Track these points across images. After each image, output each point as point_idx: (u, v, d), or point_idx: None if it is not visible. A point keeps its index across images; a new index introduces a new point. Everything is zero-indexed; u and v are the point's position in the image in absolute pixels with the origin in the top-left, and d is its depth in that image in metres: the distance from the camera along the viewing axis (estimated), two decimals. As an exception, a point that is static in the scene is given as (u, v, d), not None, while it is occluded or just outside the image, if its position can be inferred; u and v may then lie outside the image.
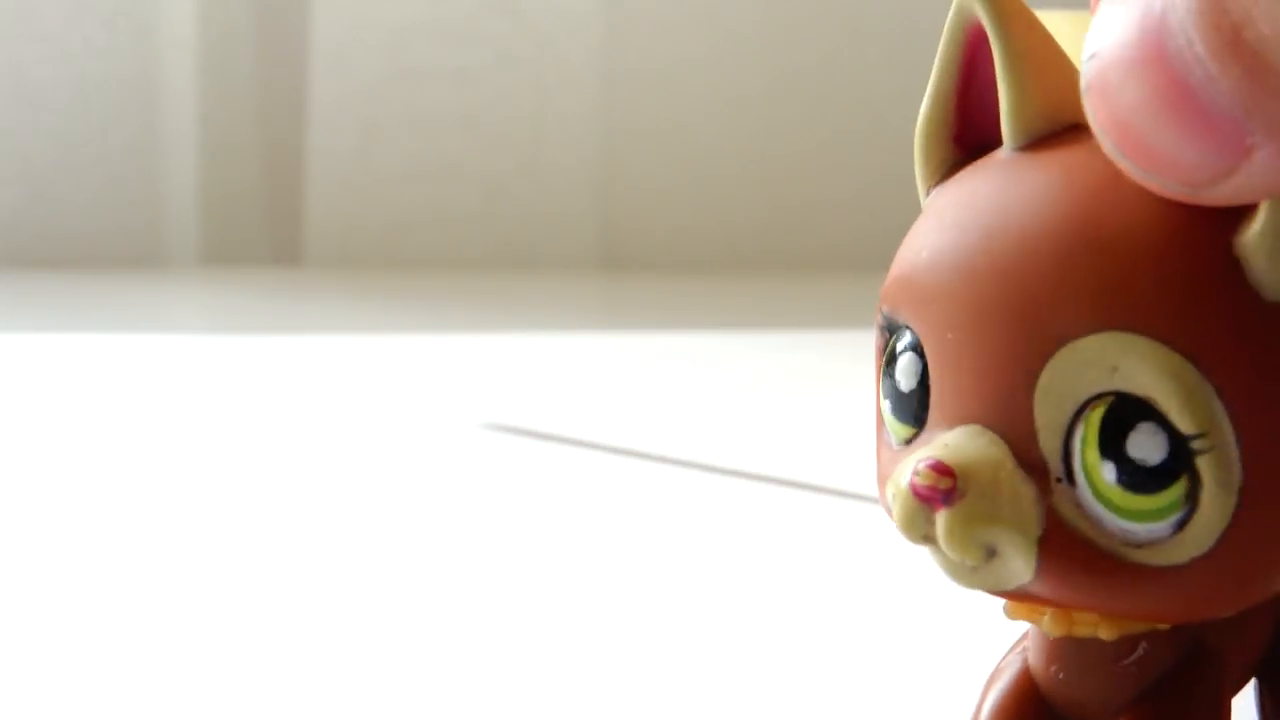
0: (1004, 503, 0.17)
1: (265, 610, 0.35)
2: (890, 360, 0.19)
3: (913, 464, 0.18)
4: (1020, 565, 0.17)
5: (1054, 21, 0.21)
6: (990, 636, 0.21)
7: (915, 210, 0.20)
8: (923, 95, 0.20)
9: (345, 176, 1.28)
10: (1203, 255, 0.17)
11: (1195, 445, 0.17)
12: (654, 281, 1.28)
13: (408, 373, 0.75)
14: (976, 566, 0.18)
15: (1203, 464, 0.17)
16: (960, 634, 0.32)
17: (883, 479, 0.19)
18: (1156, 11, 0.16)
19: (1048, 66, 0.18)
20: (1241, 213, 0.17)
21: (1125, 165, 0.16)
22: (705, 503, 0.47)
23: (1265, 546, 0.17)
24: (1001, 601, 0.19)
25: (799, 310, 1.12)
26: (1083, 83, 0.16)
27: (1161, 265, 0.17)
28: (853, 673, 0.31)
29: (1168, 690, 0.19)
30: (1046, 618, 0.19)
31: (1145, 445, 0.17)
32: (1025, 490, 0.17)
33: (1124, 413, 0.17)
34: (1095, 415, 0.17)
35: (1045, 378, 0.17)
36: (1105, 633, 0.18)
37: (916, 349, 0.18)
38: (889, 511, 0.18)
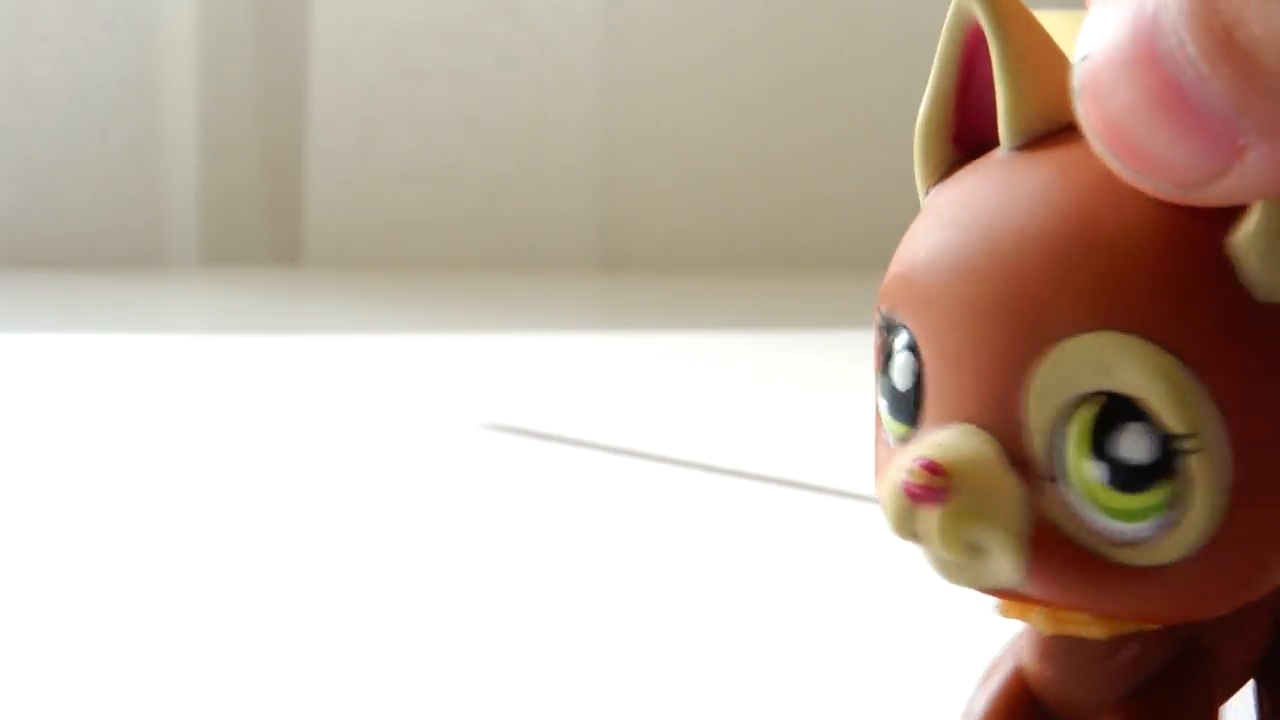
0: (993, 502, 0.17)
1: (266, 610, 0.35)
2: (887, 359, 0.19)
3: (905, 462, 0.18)
4: (1008, 564, 0.17)
5: (1052, 22, 0.20)
6: (986, 635, 0.21)
7: (915, 210, 0.20)
8: (922, 95, 0.20)
9: (345, 176, 1.28)
10: (1196, 256, 0.17)
11: (1185, 446, 0.17)
12: (654, 281, 1.28)
13: (408, 373, 0.75)
14: (965, 564, 0.18)
15: (1192, 464, 0.17)
16: (957, 633, 0.32)
17: (879, 477, 0.19)
18: (1149, 12, 0.16)
19: (1045, 67, 0.18)
20: (1235, 213, 0.17)
21: (1117, 166, 0.16)
22: (705, 503, 0.47)
23: (1257, 547, 0.17)
24: (995, 600, 0.19)
25: (799, 310, 1.12)
26: (1074, 84, 0.16)
27: (1154, 266, 0.17)
28: (851, 671, 0.31)
29: (1159, 689, 0.19)
30: (1038, 616, 0.19)
31: (1134, 445, 0.17)
32: (1015, 490, 0.17)
33: (1114, 412, 0.17)
34: (1086, 415, 0.17)
35: (1037, 377, 0.17)
36: (1096, 632, 0.18)
37: (912, 348, 0.18)
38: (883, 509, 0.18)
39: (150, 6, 1.22)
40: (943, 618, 0.33)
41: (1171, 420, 0.17)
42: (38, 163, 1.21)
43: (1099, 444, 0.17)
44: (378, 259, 1.29)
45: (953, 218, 0.18)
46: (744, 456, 0.53)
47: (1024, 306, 0.17)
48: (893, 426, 0.19)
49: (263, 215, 1.31)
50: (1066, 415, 0.17)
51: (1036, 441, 0.17)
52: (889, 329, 0.19)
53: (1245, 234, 0.16)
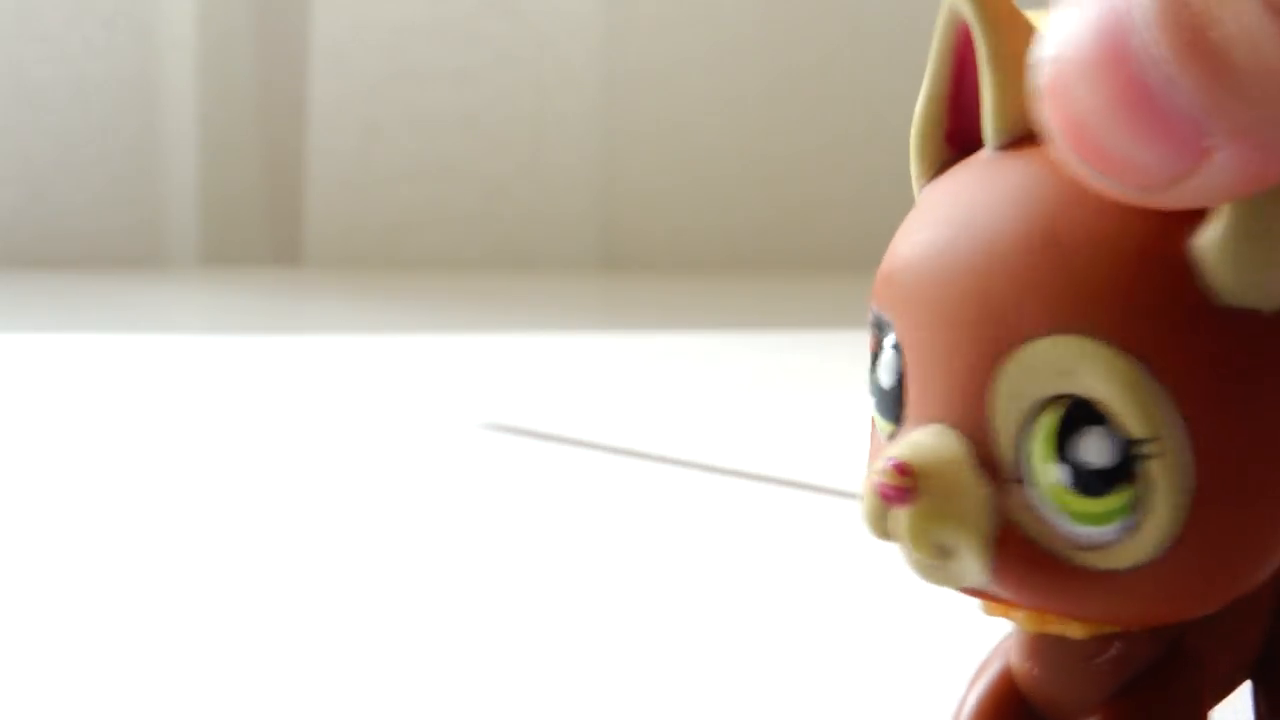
0: (960, 504, 0.17)
1: (266, 610, 0.35)
2: (876, 356, 0.19)
3: (880, 462, 0.18)
4: (974, 565, 0.17)
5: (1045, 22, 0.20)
6: (977, 636, 0.21)
7: (914, 211, 0.20)
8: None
9: (345, 176, 1.28)
10: (1158, 259, 0.17)
11: (1146, 450, 0.17)
12: (654, 281, 1.28)
13: (408, 373, 0.75)
14: (936, 565, 0.18)
15: (1153, 469, 0.17)
16: (950, 633, 0.32)
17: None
18: (1120, 9, 0.15)
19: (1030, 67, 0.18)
20: (1198, 216, 0.16)
21: (1080, 169, 0.16)
22: (705, 503, 0.47)
23: (1221, 550, 0.17)
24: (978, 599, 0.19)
25: (799, 310, 1.12)
26: (1039, 84, 0.16)
27: (1116, 269, 0.17)
28: (847, 670, 0.31)
29: (1144, 689, 0.19)
30: (1021, 614, 0.19)
31: (1096, 449, 0.17)
32: (982, 491, 0.17)
33: (1077, 416, 0.17)
34: (1050, 418, 0.17)
35: (1004, 379, 0.17)
36: (1076, 631, 0.18)
37: (897, 345, 0.19)
38: None
39: (150, 6, 1.22)
40: (937, 618, 0.33)
41: (1133, 425, 0.16)
42: (38, 163, 1.21)
43: (1062, 447, 0.17)
44: (378, 259, 1.29)
45: (934, 217, 0.18)
46: (744, 456, 0.53)
47: (993, 307, 0.17)
48: (881, 424, 0.19)
49: (263, 215, 1.31)
50: (1032, 418, 0.17)
51: (1003, 443, 0.17)
52: (879, 326, 0.19)
53: (1210, 237, 0.16)
